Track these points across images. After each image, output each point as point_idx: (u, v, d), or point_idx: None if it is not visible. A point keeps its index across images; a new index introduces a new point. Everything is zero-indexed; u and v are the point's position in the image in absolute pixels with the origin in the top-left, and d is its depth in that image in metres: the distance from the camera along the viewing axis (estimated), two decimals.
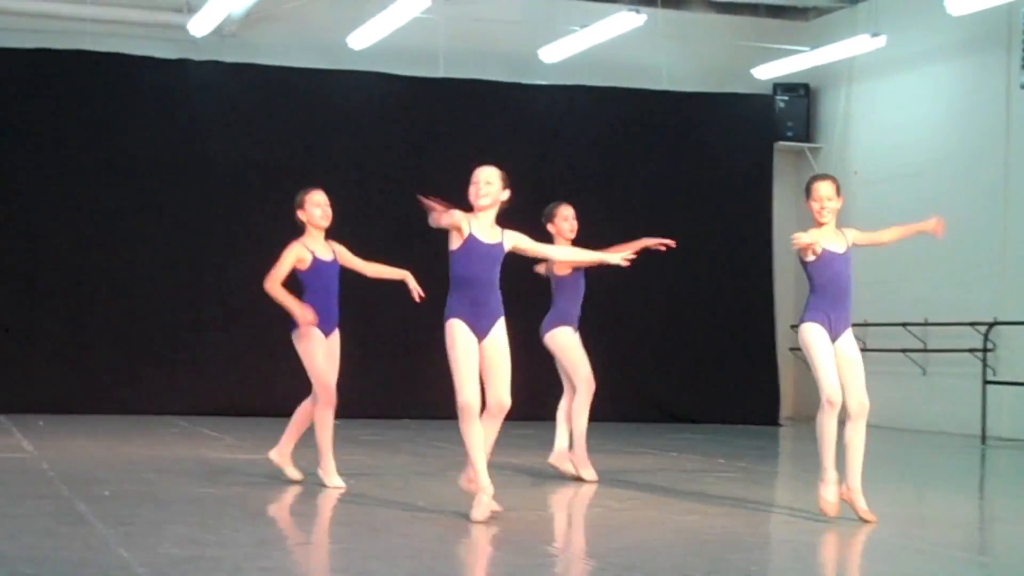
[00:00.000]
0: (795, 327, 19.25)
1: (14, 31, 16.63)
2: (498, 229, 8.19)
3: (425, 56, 17.65)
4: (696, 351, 18.36)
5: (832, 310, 8.37)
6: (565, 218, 10.66)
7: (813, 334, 8.31)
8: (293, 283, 9.40)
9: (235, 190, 17.06)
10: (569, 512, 8.75)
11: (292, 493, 9.25)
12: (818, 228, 8.46)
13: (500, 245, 8.14)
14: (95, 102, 16.73)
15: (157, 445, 12.52)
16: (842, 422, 8.32)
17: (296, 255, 9.42)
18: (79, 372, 16.36)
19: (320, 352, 9.37)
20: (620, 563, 6.78)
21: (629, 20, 16.31)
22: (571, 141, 18.24)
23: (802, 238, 8.34)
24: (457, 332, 7.98)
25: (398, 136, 17.65)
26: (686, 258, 18.49)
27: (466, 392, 7.86)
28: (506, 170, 8.22)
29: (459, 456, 8.99)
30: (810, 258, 8.39)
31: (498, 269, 8.15)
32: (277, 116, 17.29)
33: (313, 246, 9.51)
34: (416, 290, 9.41)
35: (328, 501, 8.86)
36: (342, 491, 9.24)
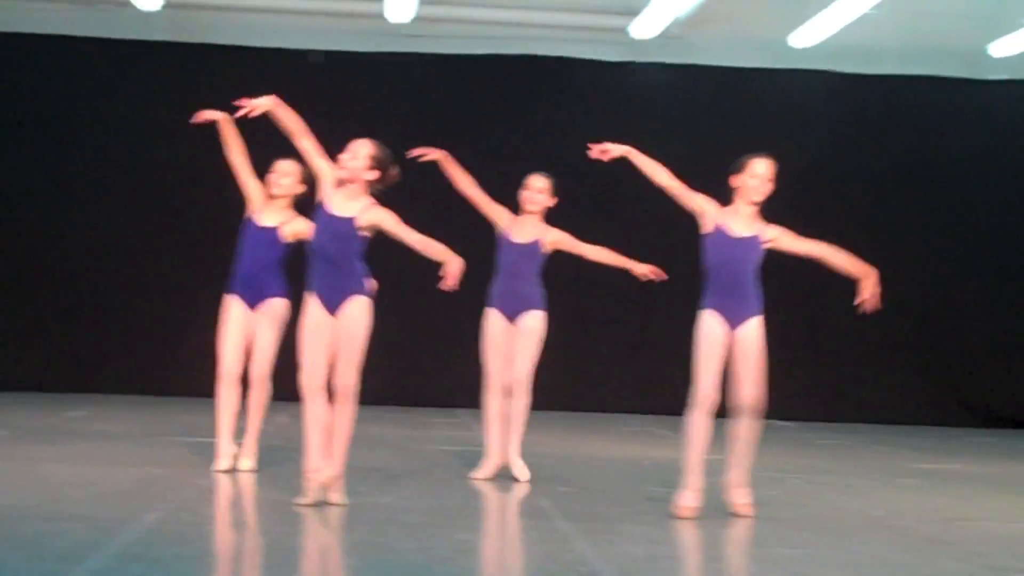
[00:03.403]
0: None
1: (463, 38, 17.17)
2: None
3: (870, 53, 17.20)
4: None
5: (728, 297, 7.79)
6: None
7: (701, 325, 7.80)
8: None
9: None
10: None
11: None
12: (733, 206, 7.97)
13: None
14: (539, 106, 17.07)
15: (611, 443, 12.69)
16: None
17: None
18: None
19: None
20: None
21: None
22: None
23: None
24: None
25: (844, 134, 17.26)
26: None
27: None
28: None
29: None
30: (707, 229, 7.96)
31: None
32: (719, 117, 17.18)
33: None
34: None
35: (785, 502, 8.68)
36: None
